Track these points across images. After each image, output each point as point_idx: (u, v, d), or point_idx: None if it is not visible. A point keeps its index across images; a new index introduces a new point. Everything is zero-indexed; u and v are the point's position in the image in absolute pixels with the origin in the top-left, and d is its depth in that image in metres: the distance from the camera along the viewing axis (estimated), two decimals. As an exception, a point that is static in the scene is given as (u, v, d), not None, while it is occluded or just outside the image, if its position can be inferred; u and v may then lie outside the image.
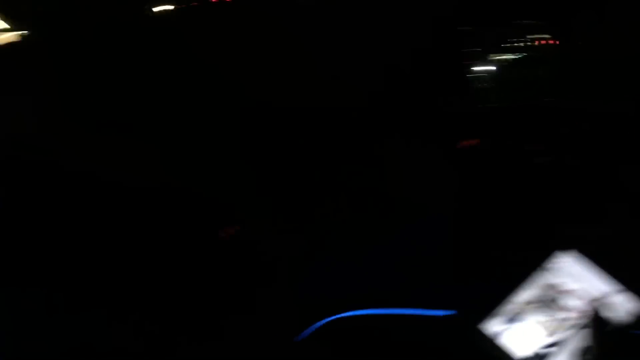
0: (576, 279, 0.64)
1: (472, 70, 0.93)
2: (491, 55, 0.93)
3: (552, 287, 0.64)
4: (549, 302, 0.62)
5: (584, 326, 0.60)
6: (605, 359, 0.59)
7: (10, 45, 0.84)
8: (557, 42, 0.89)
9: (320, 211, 0.82)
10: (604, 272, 0.64)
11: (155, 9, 0.91)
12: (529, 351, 0.59)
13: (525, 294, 0.63)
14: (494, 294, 0.63)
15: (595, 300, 0.62)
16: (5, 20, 0.84)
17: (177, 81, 0.86)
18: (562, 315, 0.62)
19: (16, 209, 0.81)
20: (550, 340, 0.59)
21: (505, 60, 0.93)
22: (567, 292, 0.63)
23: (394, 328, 0.71)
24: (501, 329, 0.60)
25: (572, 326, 0.61)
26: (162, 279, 0.80)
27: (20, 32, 0.84)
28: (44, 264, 0.78)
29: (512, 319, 0.61)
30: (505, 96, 0.92)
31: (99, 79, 0.85)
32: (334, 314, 0.73)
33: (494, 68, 0.93)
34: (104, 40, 0.82)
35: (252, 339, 0.74)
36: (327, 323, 0.73)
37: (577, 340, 0.60)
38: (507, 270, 0.71)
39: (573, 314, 0.62)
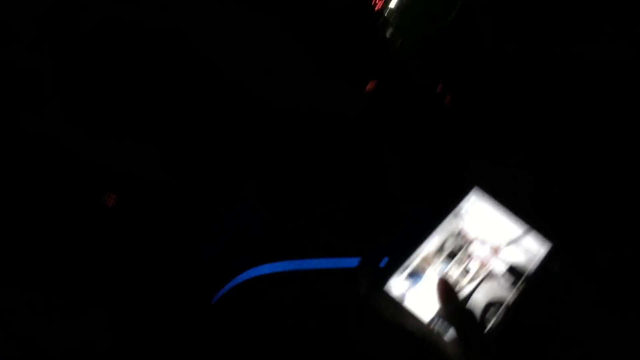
0: (483, 223, 0.63)
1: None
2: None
3: (457, 234, 0.62)
4: (454, 252, 0.61)
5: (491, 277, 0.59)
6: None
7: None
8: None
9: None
10: (511, 213, 0.63)
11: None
12: (431, 313, 0.56)
13: (429, 244, 0.60)
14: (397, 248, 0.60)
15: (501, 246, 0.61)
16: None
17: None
18: (468, 265, 0.60)
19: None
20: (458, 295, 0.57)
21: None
22: (474, 239, 0.62)
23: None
24: (405, 289, 0.58)
25: (480, 277, 0.59)
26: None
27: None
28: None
29: (415, 276, 0.59)
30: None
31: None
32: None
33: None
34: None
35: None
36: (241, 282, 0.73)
37: (484, 293, 0.58)
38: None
39: (480, 263, 0.60)
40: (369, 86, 0.93)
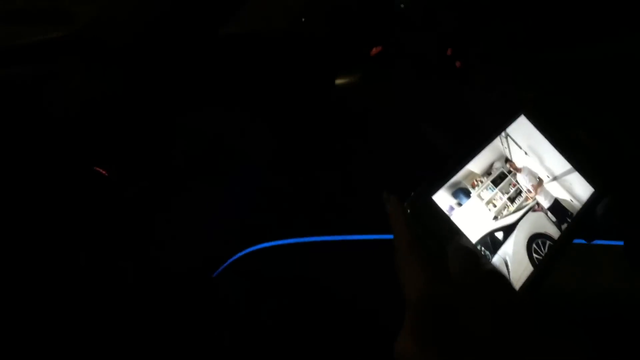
0: (529, 152, 0.59)
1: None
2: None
3: (505, 159, 0.57)
4: (501, 177, 0.56)
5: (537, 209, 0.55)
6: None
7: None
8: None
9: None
10: (556, 149, 0.60)
11: None
12: (477, 234, 0.50)
13: (475, 163, 0.55)
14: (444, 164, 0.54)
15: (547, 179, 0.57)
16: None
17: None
18: (514, 194, 0.55)
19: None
20: (496, 224, 0.52)
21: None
22: (521, 168, 0.57)
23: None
24: (451, 205, 0.51)
25: (525, 208, 0.55)
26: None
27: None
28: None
29: (461, 195, 0.52)
30: None
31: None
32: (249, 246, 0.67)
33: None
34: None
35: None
36: (244, 256, 0.67)
37: (529, 224, 0.54)
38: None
39: (526, 194, 0.56)
40: (374, 51, 0.87)
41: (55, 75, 0.67)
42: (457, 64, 0.87)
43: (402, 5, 0.88)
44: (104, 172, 0.66)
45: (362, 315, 0.61)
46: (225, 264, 0.70)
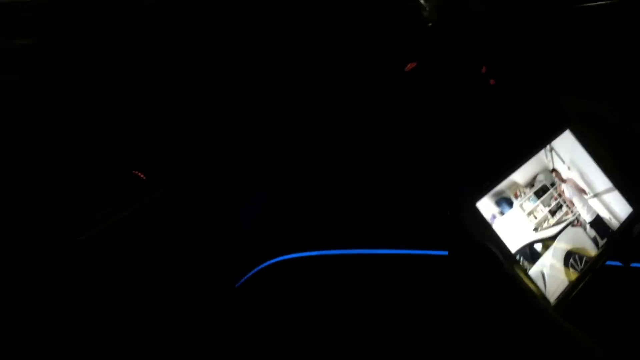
0: (573, 167, 0.60)
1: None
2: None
3: (549, 171, 0.58)
4: (544, 189, 0.56)
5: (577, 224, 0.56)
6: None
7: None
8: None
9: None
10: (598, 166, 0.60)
11: None
12: (517, 244, 0.51)
13: (520, 173, 0.56)
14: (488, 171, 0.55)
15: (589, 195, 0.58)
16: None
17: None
18: (556, 206, 0.56)
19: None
20: (536, 235, 0.53)
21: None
22: (564, 181, 0.58)
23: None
24: (494, 213, 0.52)
25: (565, 222, 0.56)
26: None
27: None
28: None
29: (504, 204, 0.53)
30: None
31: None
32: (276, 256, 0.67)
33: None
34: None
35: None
36: (270, 265, 0.67)
37: (568, 238, 0.54)
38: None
39: (567, 207, 0.57)
40: (409, 67, 0.87)
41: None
42: (492, 81, 0.87)
43: (430, 24, 0.88)
44: (141, 175, 0.66)
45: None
46: (249, 274, 0.69)
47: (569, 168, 0.60)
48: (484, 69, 0.87)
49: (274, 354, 0.60)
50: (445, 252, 0.56)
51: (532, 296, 0.47)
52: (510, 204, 0.54)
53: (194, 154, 0.70)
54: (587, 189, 0.59)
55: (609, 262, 0.56)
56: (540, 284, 0.50)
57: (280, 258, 0.68)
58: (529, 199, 0.55)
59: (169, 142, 0.69)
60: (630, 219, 0.60)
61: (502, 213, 0.53)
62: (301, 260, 0.66)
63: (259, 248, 0.70)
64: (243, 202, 0.73)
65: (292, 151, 0.75)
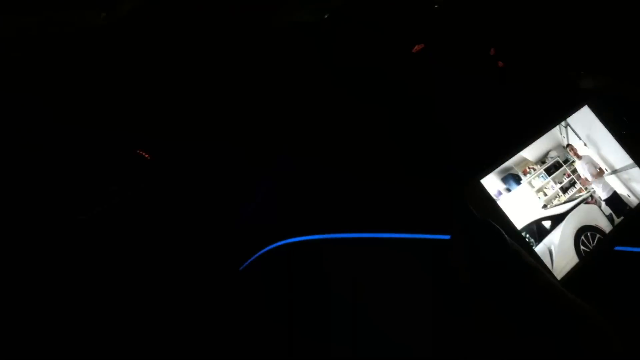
0: (590, 143, 0.57)
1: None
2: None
3: (564, 147, 0.56)
4: (557, 165, 0.54)
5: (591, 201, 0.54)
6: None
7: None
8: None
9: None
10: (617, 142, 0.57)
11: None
12: (523, 221, 0.50)
13: (532, 150, 0.54)
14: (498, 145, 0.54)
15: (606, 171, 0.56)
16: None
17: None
18: (568, 183, 0.54)
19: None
20: (545, 212, 0.51)
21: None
22: (580, 157, 0.56)
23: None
24: (500, 190, 0.51)
25: (578, 199, 0.53)
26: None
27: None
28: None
29: (512, 181, 0.52)
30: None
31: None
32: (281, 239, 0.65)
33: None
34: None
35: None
36: (275, 248, 0.65)
37: (580, 215, 0.52)
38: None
39: (581, 184, 0.55)
40: (416, 48, 0.85)
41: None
42: (500, 64, 0.84)
43: (436, 6, 0.85)
44: (146, 155, 0.65)
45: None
46: (252, 257, 0.68)
47: (585, 144, 0.57)
48: (492, 51, 0.84)
49: (279, 336, 0.60)
50: (448, 237, 0.55)
51: (537, 271, 0.45)
52: (518, 180, 0.52)
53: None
54: (604, 166, 0.56)
55: (623, 248, 0.54)
56: (547, 260, 0.49)
57: (285, 241, 0.67)
58: (539, 175, 0.53)
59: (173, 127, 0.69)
60: None
61: (508, 190, 0.51)
62: (305, 244, 0.66)
63: (262, 231, 0.69)
64: (248, 186, 0.73)
65: (295, 133, 0.74)
